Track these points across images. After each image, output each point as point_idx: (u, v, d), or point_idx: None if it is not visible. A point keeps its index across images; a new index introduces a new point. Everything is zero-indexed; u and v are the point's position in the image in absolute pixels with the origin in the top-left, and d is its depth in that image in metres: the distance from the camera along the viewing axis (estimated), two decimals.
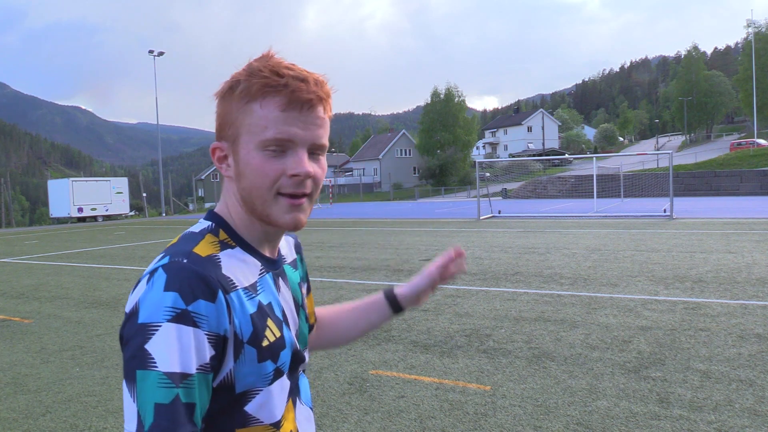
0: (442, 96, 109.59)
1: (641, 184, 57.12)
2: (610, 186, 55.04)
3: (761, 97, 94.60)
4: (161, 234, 33.43)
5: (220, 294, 1.41)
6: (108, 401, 6.78)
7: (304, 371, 1.78)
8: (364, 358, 8.01)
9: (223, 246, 1.54)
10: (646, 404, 6.07)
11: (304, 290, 1.87)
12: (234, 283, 1.48)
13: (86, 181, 55.75)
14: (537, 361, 7.64)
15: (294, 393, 1.66)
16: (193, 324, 1.35)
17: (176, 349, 1.32)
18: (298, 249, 1.95)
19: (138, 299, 1.38)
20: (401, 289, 2.05)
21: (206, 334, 1.37)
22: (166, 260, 1.42)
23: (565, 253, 18.07)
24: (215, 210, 1.64)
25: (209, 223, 1.60)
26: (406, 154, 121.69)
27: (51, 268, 19.25)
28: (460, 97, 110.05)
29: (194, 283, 1.38)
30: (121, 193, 56.87)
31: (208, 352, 1.37)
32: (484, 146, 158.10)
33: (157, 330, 1.33)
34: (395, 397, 6.55)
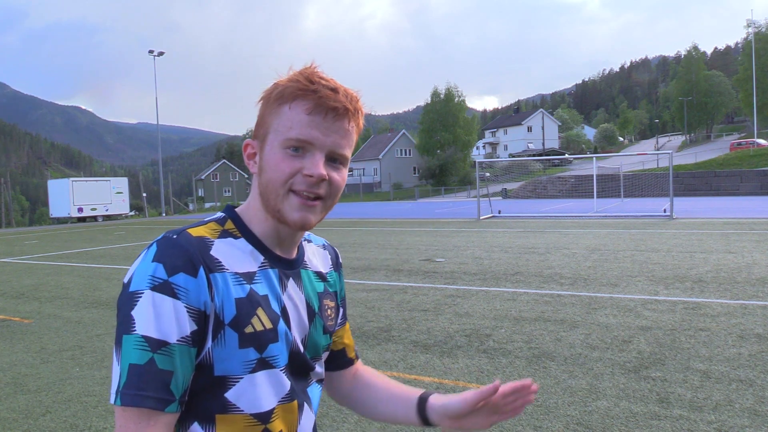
0: (442, 96, 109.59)
1: (641, 184, 57.10)
2: (610, 186, 55.02)
3: (761, 97, 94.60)
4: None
5: (202, 270, 1.47)
6: (108, 401, 6.77)
7: (319, 382, 1.81)
8: (365, 358, 7.99)
9: (224, 234, 1.61)
10: (646, 404, 6.07)
11: (330, 302, 1.87)
12: (221, 265, 1.53)
13: (86, 181, 55.77)
14: (537, 361, 7.64)
15: (301, 397, 1.67)
16: (173, 295, 1.42)
17: (153, 316, 1.40)
18: (336, 265, 1.98)
19: (132, 270, 1.50)
20: (435, 400, 1.84)
21: (186, 307, 1.43)
22: (161, 236, 1.53)
23: (565, 253, 18.07)
24: (237, 207, 1.72)
25: (221, 214, 1.68)
26: (406, 154, 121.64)
27: (51, 268, 19.25)
28: (460, 97, 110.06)
29: (178, 256, 1.46)
30: (121, 193, 56.87)
31: (189, 326, 1.43)
32: (484, 146, 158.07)
33: (140, 297, 1.42)
34: None
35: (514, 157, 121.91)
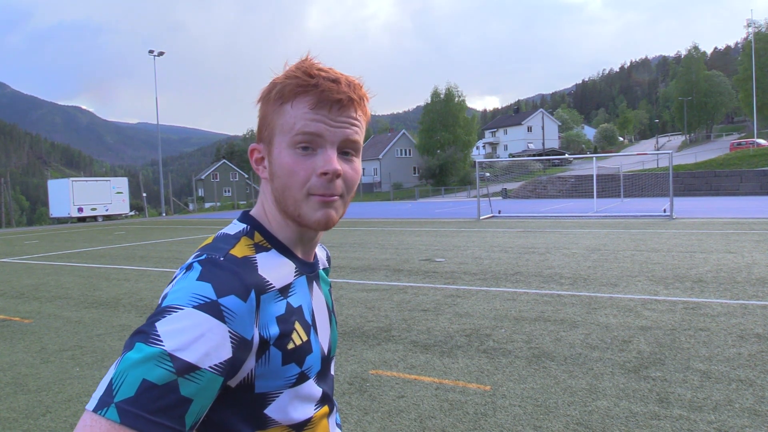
0: (442, 96, 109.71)
1: (641, 184, 57.15)
2: (610, 186, 55.07)
3: (761, 97, 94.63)
4: (161, 234, 33.42)
5: (253, 294, 1.39)
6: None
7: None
8: (364, 358, 8.00)
9: (258, 248, 1.53)
10: (646, 404, 6.07)
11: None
12: (269, 285, 1.47)
13: (86, 181, 55.73)
14: (537, 361, 7.64)
15: (331, 401, 1.66)
16: (219, 317, 1.29)
17: (191, 335, 1.25)
18: (329, 260, 1.98)
19: (168, 290, 1.35)
20: None
21: (230, 333, 1.31)
22: (203, 257, 1.41)
23: (565, 253, 18.07)
24: (251, 212, 1.64)
25: (244, 225, 1.60)
26: (406, 154, 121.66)
27: (51, 267, 19.25)
28: (460, 97, 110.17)
29: (229, 278, 1.36)
30: (121, 193, 56.85)
31: (226, 353, 1.29)
32: (484, 146, 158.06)
33: (175, 312, 1.27)
34: (395, 397, 6.55)
35: (514, 157, 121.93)
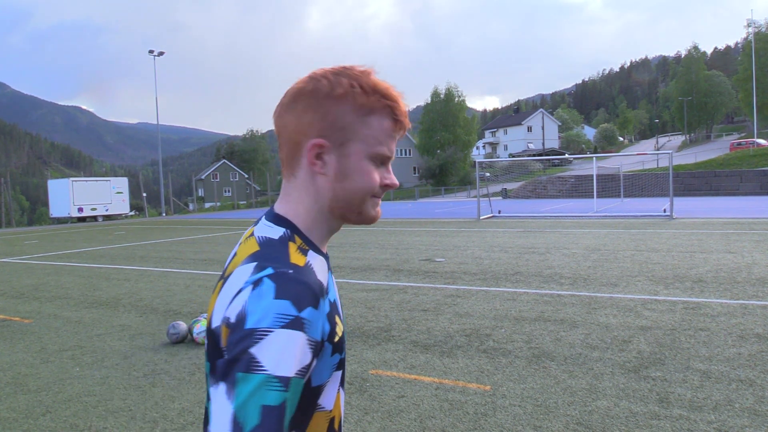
0: (442, 96, 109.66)
1: (641, 184, 57.14)
2: (610, 186, 55.04)
3: (761, 97, 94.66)
4: (161, 234, 33.42)
5: (320, 300, 1.46)
6: (108, 401, 6.78)
7: None
8: (364, 357, 8.01)
9: (303, 252, 1.57)
10: (646, 404, 6.08)
11: None
12: (324, 287, 1.53)
13: (86, 181, 55.76)
14: (537, 360, 7.64)
15: (343, 378, 1.71)
16: (302, 330, 1.37)
17: (289, 355, 1.33)
18: None
19: (245, 308, 1.37)
20: None
21: (309, 341, 1.39)
22: (270, 270, 1.43)
23: (565, 253, 18.07)
24: (279, 212, 1.64)
25: (282, 229, 1.60)
26: (406, 154, 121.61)
27: (51, 267, 19.25)
28: (460, 96, 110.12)
29: (304, 291, 1.41)
30: (121, 193, 56.88)
31: (308, 359, 1.39)
32: (484, 146, 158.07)
33: (267, 335, 1.33)
34: (395, 396, 6.55)
35: (514, 157, 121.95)
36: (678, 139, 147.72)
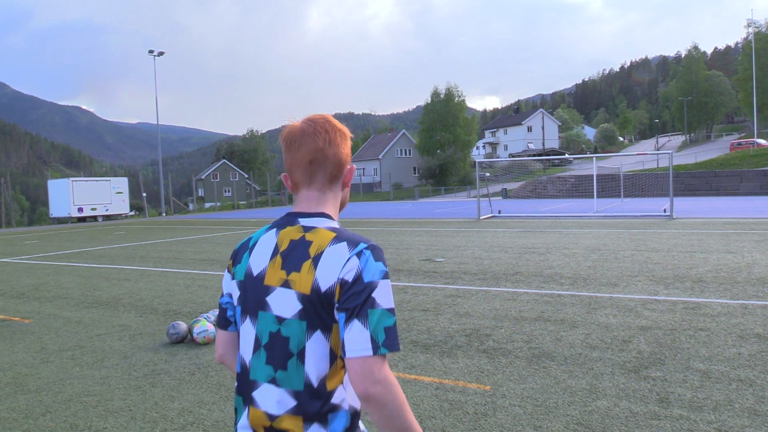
0: (442, 96, 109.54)
1: (641, 184, 57.11)
2: (610, 186, 55.05)
3: (761, 97, 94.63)
4: (161, 234, 33.41)
5: None
6: (108, 401, 6.78)
7: None
8: None
9: None
10: (646, 404, 6.08)
11: None
12: None
13: (86, 181, 55.76)
14: (537, 360, 7.64)
15: None
16: (389, 279, 2.19)
17: (390, 294, 2.16)
18: None
19: (359, 270, 2.12)
20: None
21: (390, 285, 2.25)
22: (364, 245, 2.19)
23: (565, 253, 18.07)
24: (324, 211, 2.36)
25: (335, 222, 2.38)
26: (406, 154, 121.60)
27: (51, 267, 19.26)
28: (460, 96, 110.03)
29: (383, 254, 2.23)
30: (121, 193, 56.88)
31: None
32: (484, 146, 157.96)
33: (377, 285, 2.12)
34: None
35: (514, 157, 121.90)
36: (678, 139, 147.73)
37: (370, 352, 2.01)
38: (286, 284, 2.18)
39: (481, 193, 40.14)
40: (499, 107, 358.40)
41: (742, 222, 26.48)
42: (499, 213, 38.28)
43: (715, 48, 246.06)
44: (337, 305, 2.11)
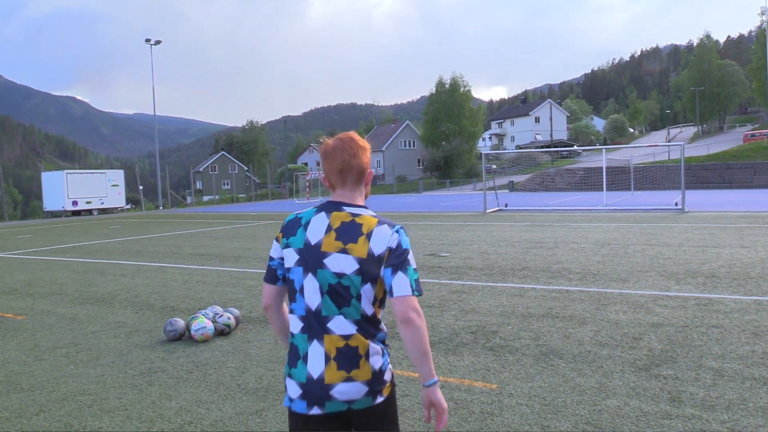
0: (447, 86, 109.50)
1: (652, 177, 57.08)
2: (620, 178, 55.01)
3: None
4: (158, 228, 33.43)
5: None
6: (103, 400, 6.78)
7: None
8: None
9: None
10: (657, 403, 6.07)
11: None
12: None
13: (81, 173, 55.81)
14: (545, 358, 7.64)
15: None
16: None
17: (414, 259, 3.28)
18: None
19: (399, 240, 3.24)
20: None
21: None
22: (398, 226, 3.32)
23: (573, 247, 18.07)
24: (361, 203, 3.42)
25: (372, 211, 3.42)
26: (410, 146, 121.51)
27: (45, 263, 19.27)
28: (465, 87, 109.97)
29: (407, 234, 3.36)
30: (117, 185, 56.94)
31: None
32: (490, 137, 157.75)
33: (409, 251, 3.27)
34: (399, 395, 6.52)
35: (521, 148, 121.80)
36: (690, 131, 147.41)
37: (410, 292, 3.17)
38: (343, 251, 3.22)
39: (487, 186, 40.10)
40: (506, 97, 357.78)
41: (756, 216, 26.46)
42: (506, 206, 38.27)
43: (728, 36, 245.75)
44: (385, 264, 3.21)
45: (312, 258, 3.26)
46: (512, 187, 69.65)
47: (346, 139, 3.37)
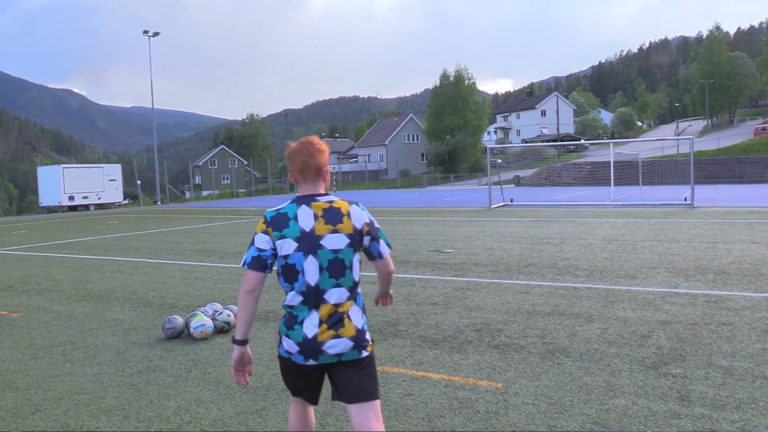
0: (451, 78, 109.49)
1: (661, 171, 57.05)
2: (628, 173, 54.97)
3: None
4: (157, 223, 33.47)
5: None
6: (100, 399, 6.78)
7: None
8: None
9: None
10: (666, 402, 6.06)
11: None
12: None
13: (78, 167, 55.89)
14: (551, 356, 7.63)
15: None
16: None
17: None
18: None
19: (368, 215, 4.18)
20: None
21: None
22: (360, 202, 4.20)
23: (580, 243, 18.06)
24: (327, 193, 4.15)
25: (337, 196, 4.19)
26: (413, 140, 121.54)
27: (40, 259, 19.29)
28: (470, 79, 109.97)
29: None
30: (115, 180, 56.98)
31: None
32: (495, 131, 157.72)
33: (374, 220, 4.20)
34: (402, 395, 6.55)
35: (527, 142, 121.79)
36: (699, 124, 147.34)
37: (389, 251, 4.32)
38: (334, 231, 4.01)
39: (492, 181, 40.12)
40: (512, 90, 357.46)
41: (767, 211, 26.42)
42: (512, 201, 38.28)
43: (739, 28, 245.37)
44: (366, 235, 4.14)
45: (310, 242, 3.99)
46: (518, 181, 69.69)
47: (305, 143, 4.18)
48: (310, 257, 3.99)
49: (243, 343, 4.11)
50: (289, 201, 4.16)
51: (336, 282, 4.03)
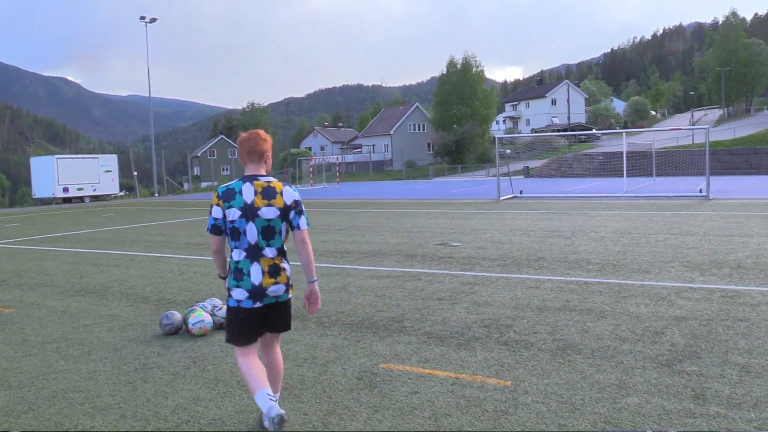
0: (459, 66, 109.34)
1: (675, 162, 56.95)
2: (642, 164, 54.85)
3: None
4: (154, 216, 33.49)
5: None
6: (96, 397, 6.78)
7: None
8: (374, 351, 7.99)
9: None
10: (681, 401, 6.05)
11: None
12: None
13: (72, 158, 56.01)
14: (562, 354, 7.62)
15: None
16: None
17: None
18: None
19: (297, 195, 5.67)
20: None
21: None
22: (293, 186, 6.01)
23: (592, 236, 18.04)
24: (268, 175, 5.67)
25: (277, 179, 5.72)
26: (419, 129, 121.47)
27: (34, 252, 19.31)
28: (478, 67, 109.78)
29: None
30: (110, 171, 57.02)
31: None
32: (504, 121, 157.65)
33: (301, 201, 5.70)
34: (408, 393, 6.54)
35: (536, 132, 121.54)
36: (715, 113, 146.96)
37: (306, 227, 5.61)
38: (268, 205, 5.44)
39: (501, 172, 40.11)
40: (521, 78, 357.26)
41: None
42: (521, 193, 38.25)
43: (755, 14, 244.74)
44: (292, 210, 5.52)
45: (251, 211, 5.44)
46: (527, 172, 69.65)
47: (253, 133, 5.76)
48: (250, 223, 5.46)
49: (225, 278, 5.76)
50: (237, 179, 5.65)
51: (268, 243, 5.53)
